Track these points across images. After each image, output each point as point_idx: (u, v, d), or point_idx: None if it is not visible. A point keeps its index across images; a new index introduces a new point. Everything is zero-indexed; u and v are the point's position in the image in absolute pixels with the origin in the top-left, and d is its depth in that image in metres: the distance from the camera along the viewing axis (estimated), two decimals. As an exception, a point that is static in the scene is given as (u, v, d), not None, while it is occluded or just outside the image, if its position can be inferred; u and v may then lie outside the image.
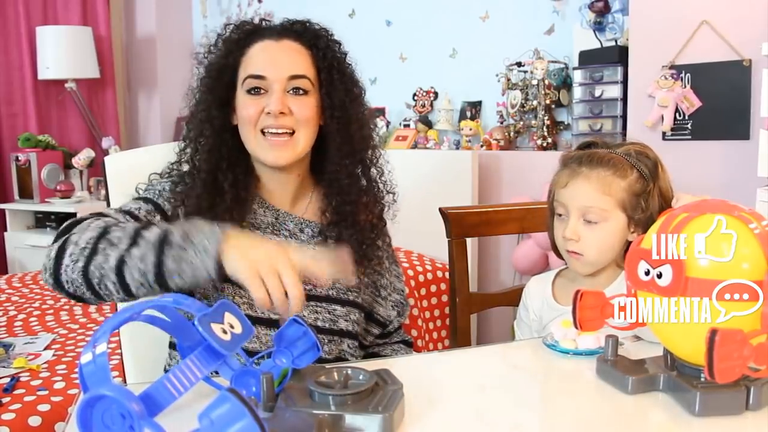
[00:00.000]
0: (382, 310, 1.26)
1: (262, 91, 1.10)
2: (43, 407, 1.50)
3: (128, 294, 0.90)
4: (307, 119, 1.11)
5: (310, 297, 1.13)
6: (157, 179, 1.16)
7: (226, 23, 1.17)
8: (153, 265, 0.86)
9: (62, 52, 3.47)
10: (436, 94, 3.11)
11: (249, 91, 1.10)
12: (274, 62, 1.10)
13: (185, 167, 1.14)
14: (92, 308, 2.32)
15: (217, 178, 1.10)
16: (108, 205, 1.25)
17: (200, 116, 1.13)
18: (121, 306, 1.17)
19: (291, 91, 1.10)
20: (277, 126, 1.09)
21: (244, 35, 1.14)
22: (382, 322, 1.26)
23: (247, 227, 1.13)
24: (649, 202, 1.13)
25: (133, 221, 1.02)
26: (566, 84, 2.72)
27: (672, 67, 2.26)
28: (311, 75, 1.12)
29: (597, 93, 2.53)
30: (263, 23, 1.16)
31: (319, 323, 1.13)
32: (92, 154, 3.56)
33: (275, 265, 0.83)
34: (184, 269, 0.86)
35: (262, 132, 1.10)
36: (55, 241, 0.96)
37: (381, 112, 3.20)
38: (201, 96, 1.14)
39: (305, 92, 1.11)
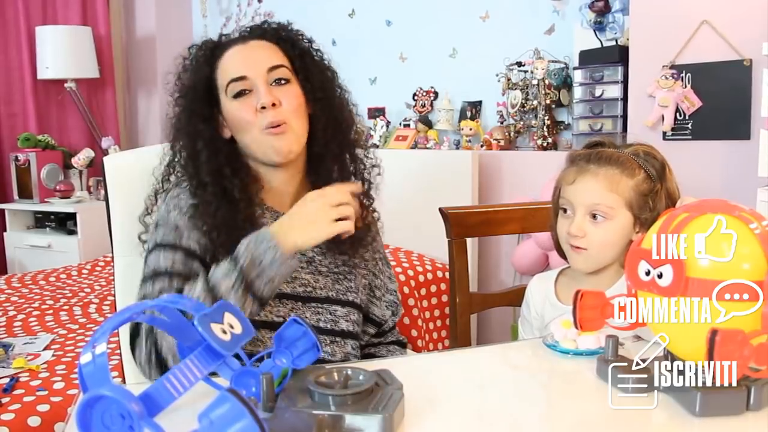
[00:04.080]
0: (377, 310, 1.28)
1: (247, 92, 1.10)
2: (43, 407, 1.50)
3: None
4: (295, 109, 1.11)
5: (310, 299, 1.14)
6: (165, 216, 1.11)
7: (189, 46, 1.19)
8: (251, 297, 0.98)
9: (62, 52, 3.47)
10: (436, 94, 3.11)
11: (235, 96, 1.10)
12: (250, 60, 1.11)
13: (185, 185, 1.12)
14: (92, 308, 2.32)
15: (226, 189, 1.09)
16: (107, 205, 1.24)
17: (187, 130, 1.12)
18: (120, 306, 1.16)
19: (273, 83, 1.11)
20: (273, 117, 1.09)
21: (209, 51, 1.15)
22: (377, 321, 1.29)
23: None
24: (656, 202, 1.13)
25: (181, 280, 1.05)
26: (566, 84, 2.72)
27: (672, 66, 2.26)
28: (287, 64, 1.14)
29: (597, 93, 2.53)
30: (222, 38, 1.18)
31: (321, 324, 1.13)
32: (92, 154, 3.56)
33: (327, 208, 0.99)
34: (275, 284, 0.99)
35: (264, 130, 1.09)
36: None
37: (381, 112, 3.20)
38: (184, 115, 1.13)
39: (287, 81, 1.12)
